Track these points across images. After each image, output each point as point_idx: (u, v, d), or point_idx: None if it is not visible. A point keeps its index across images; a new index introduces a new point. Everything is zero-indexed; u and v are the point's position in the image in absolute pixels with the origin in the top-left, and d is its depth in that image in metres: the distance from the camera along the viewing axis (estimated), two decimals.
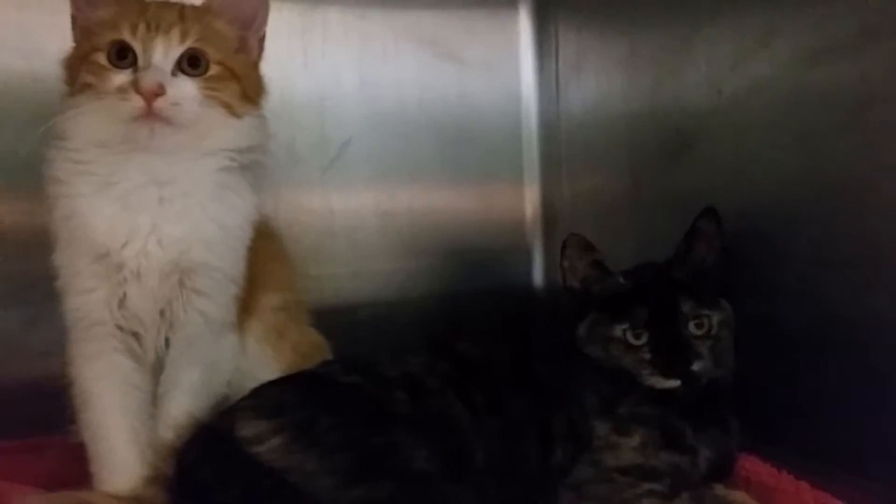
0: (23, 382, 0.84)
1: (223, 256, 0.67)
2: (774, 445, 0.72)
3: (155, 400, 0.68)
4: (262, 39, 0.70)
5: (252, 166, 0.69)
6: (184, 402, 0.67)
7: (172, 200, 0.65)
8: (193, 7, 0.67)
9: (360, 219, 1.06)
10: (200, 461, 0.59)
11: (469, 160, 1.13)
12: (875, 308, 0.65)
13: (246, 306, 0.72)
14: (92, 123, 0.64)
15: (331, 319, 0.87)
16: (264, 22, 0.70)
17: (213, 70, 0.65)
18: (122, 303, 0.65)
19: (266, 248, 0.74)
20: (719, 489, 0.67)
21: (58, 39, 0.67)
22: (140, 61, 0.62)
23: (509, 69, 1.14)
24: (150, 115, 0.61)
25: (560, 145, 1.12)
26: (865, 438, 0.65)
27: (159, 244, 0.64)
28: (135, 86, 0.61)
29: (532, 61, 1.15)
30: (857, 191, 0.66)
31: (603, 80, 1.02)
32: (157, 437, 0.65)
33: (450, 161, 1.11)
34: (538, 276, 1.17)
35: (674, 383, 0.67)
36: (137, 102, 0.61)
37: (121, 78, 0.62)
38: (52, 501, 0.61)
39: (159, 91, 0.61)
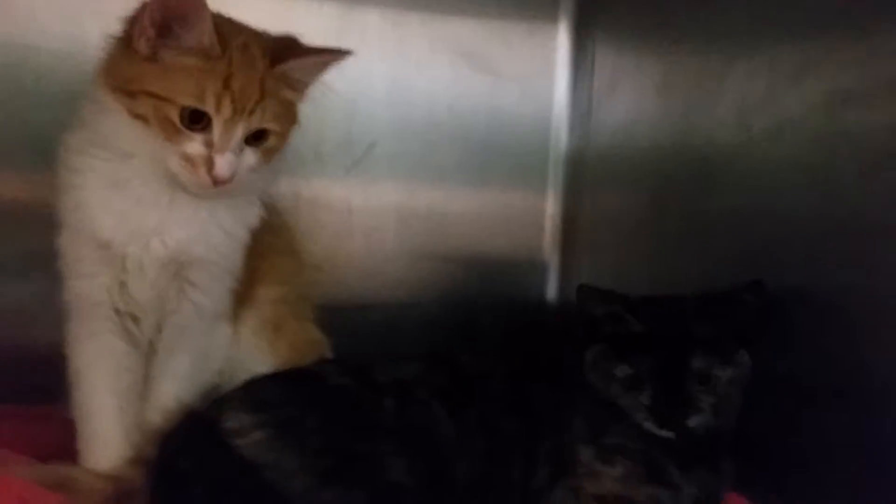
0: (32, 352, 0.85)
1: (222, 254, 0.68)
2: (768, 490, 0.71)
3: (146, 383, 0.69)
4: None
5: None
6: (173, 388, 0.68)
7: (182, 205, 0.65)
8: (272, 75, 0.64)
9: (379, 220, 1.07)
10: (183, 447, 0.60)
11: (493, 171, 1.12)
12: (885, 363, 0.63)
13: (243, 298, 0.72)
14: (131, 143, 0.62)
15: (341, 318, 0.88)
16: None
17: (272, 141, 0.65)
18: (122, 288, 0.66)
19: (272, 241, 0.75)
20: None
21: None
22: (216, 140, 0.61)
23: (543, 85, 1.14)
24: (211, 188, 0.62)
25: (586, 164, 1.11)
26: (854, 495, 0.64)
27: (162, 243, 0.65)
28: (208, 165, 0.61)
29: (567, 79, 1.14)
30: (874, 241, 0.64)
31: (635, 104, 1.00)
32: (144, 421, 0.67)
33: (474, 170, 1.11)
34: (552, 291, 1.16)
35: (668, 434, 0.65)
36: (205, 181, 0.61)
37: (194, 147, 0.61)
38: (35, 473, 0.62)
39: (231, 179, 0.62)
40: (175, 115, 0.60)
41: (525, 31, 1.13)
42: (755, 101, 0.78)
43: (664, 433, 0.65)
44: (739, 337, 0.68)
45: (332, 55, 0.67)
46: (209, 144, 0.61)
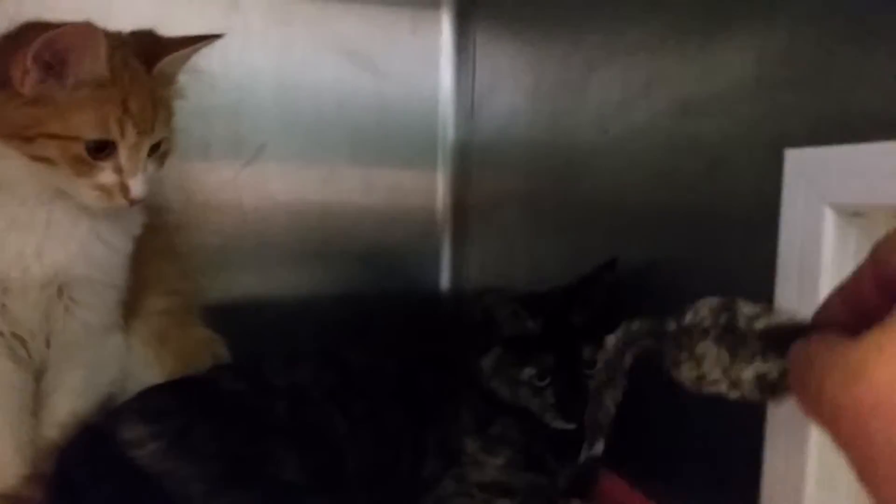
0: None
1: (105, 270, 0.69)
2: (634, 468, 0.77)
3: (38, 400, 0.69)
4: None
5: None
6: (66, 403, 0.69)
7: (60, 222, 0.65)
8: (159, 86, 0.64)
9: (272, 220, 1.09)
10: (80, 461, 0.62)
11: (384, 167, 1.16)
12: None
13: (130, 308, 0.73)
14: (32, 183, 0.62)
15: (237, 317, 0.91)
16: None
17: (165, 145, 0.66)
18: (3, 311, 0.66)
19: (154, 243, 0.75)
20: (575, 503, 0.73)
21: None
22: (125, 165, 0.61)
23: (429, 83, 1.18)
24: (128, 209, 0.64)
25: (472, 159, 1.17)
26: (708, 470, 0.71)
27: (42, 264, 0.65)
28: (123, 191, 0.61)
29: (451, 78, 1.19)
30: (713, 236, 0.72)
31: (512, 105, 1.07)
32: (39, 436, 0.67)
33: (365, 167, 1.15)
34: (445, 281, 1.22)
35: (572, 426, 0.69)
36: (122, 205, 0.62)
37: (105, 176, 0.61)
38: None
39: (146, 195, 0.63)
40: (82, 151, 0.60)
41: (408, 31, 1.17)
42: (611, 108, 0.85)
43: (570, 426, 0.69)
44: (604, 317, 0.72)
45: (205, 42, 0.67)
46: (119, 170, 0.61)
